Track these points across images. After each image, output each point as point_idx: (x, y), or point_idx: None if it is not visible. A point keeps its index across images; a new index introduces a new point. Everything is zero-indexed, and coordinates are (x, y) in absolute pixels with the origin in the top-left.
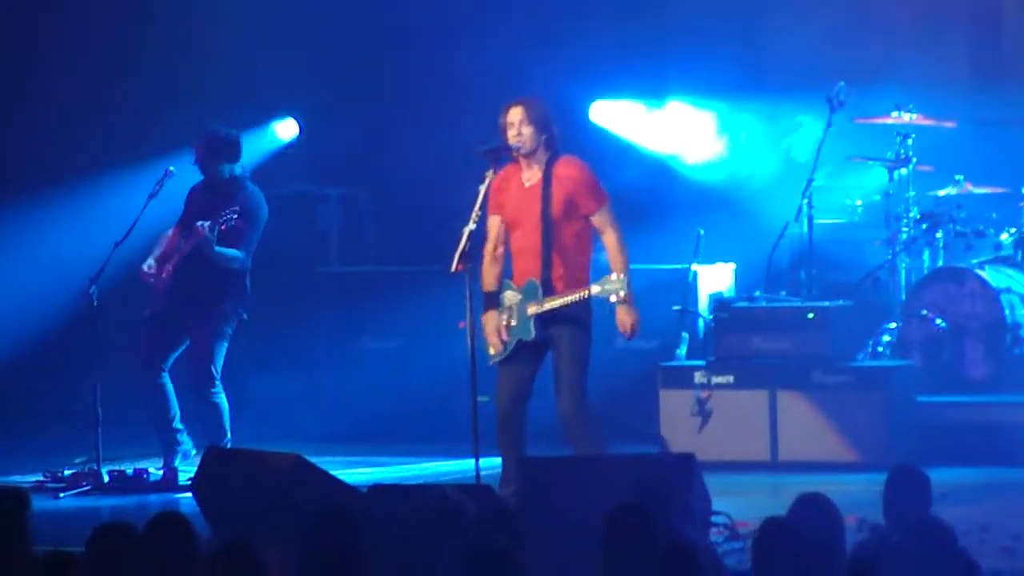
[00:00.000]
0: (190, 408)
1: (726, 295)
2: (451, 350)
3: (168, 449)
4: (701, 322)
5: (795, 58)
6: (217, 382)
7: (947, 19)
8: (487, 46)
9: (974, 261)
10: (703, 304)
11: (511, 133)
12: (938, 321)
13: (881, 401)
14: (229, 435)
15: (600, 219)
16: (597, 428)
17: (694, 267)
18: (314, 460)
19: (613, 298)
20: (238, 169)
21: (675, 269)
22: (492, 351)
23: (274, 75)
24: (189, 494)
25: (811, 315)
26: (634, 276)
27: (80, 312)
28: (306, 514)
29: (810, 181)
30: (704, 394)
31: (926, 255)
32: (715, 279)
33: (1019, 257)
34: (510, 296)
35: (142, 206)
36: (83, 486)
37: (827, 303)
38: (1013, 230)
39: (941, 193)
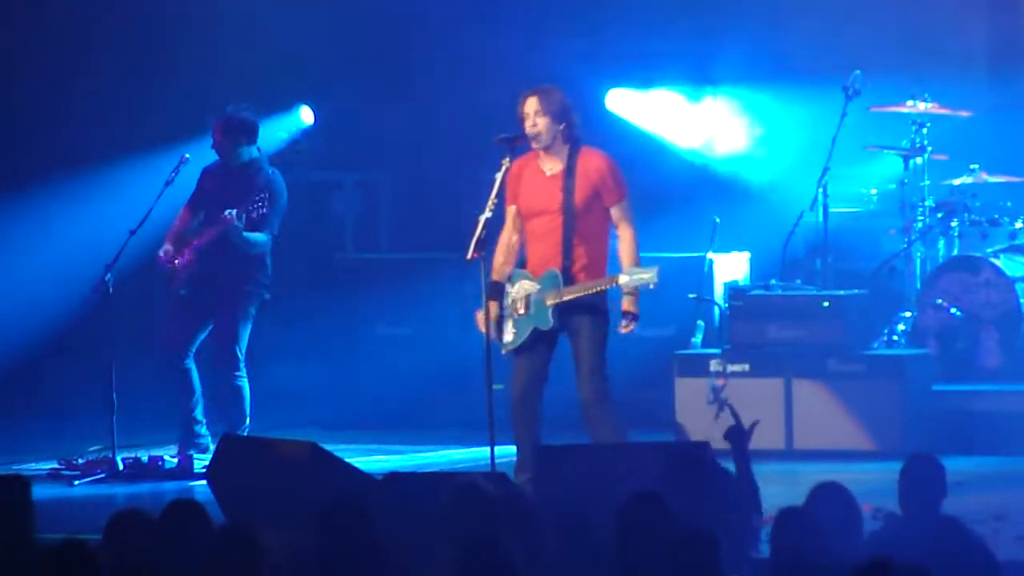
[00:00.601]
0: (212, 391)
1: (741, 283)
2: (466, 337)
3: (185, 439)
4: (716, 310)
5: (811, 46)
6: (241, 364)
7: (963, 7)
8: (504, 32)
9: (989, 250)
10: (719, 292)
11: (527, 124)
12: (953, 310)
13: (896, 390)
14: (248, 421)
15: (619, 211)
16: (617, 415)
17: (710, 255)
18: (329, 447)
19: (647, 286)
20: (255, 152)
21: (691, 257)
22: (505, 338)
23: (290, 63)
24: (204, 482)
25: (826, 304)
26: (650, 264)
27: (96, 299)
28: (321, 502)
29: (826, 170)
30: (719, 382)
31: (941, 244)
32: (731, 267)
33: None
34: (527, 285)
35: (158, 193)
36: (98, 474)
37: (842, 292)
38: None
39: (956, 182)
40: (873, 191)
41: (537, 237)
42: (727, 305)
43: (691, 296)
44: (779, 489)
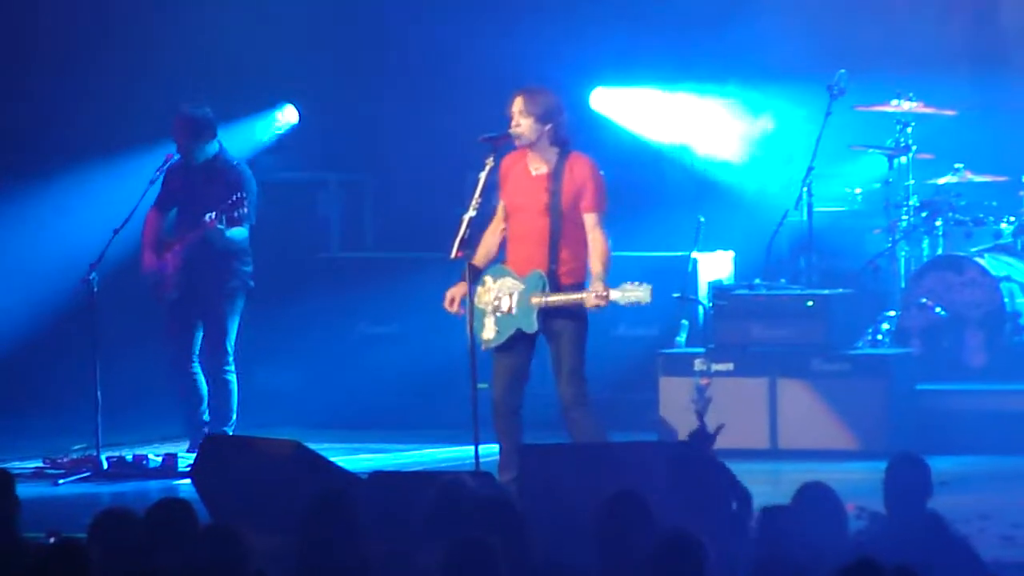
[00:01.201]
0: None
1: (726, 283)
2: (451, 337)
3: (196, 441)
4: (701, 310)
5: (795, 45)
6: (231, 359)
7: (947, 6)
8: (488, 32)
9: (973, 249)
10: (703, 292)
11: (512, 123)
12: (938, 309)
13: (881, 389)
14: (235, 418)
15: (592, 219)
16: (598, 416)
17: (694, 255)
18: (313, 446)
19: (638, 303)
20: (217, 146)
21: (675, 256)
22: (486, 335)
23: (274, 62)
24: (188, 480)
25: (811, 303)
26: (634, 263)
27: (80, 298)
28: (305, 501)
29: (810, 169)
30: (704, 381)
31: (926, 243)
32: (715, 267)
33: (1018, 245)
34: (510, 283)
35: (142, 192)
36: (82, 472)
37: (827, 291)
38: (1012, 218)
39: (941, 181)
40: (858, 190)
41: (518, 236)
42: (711, 304)
43: (675, 295)
44: (764, 489)
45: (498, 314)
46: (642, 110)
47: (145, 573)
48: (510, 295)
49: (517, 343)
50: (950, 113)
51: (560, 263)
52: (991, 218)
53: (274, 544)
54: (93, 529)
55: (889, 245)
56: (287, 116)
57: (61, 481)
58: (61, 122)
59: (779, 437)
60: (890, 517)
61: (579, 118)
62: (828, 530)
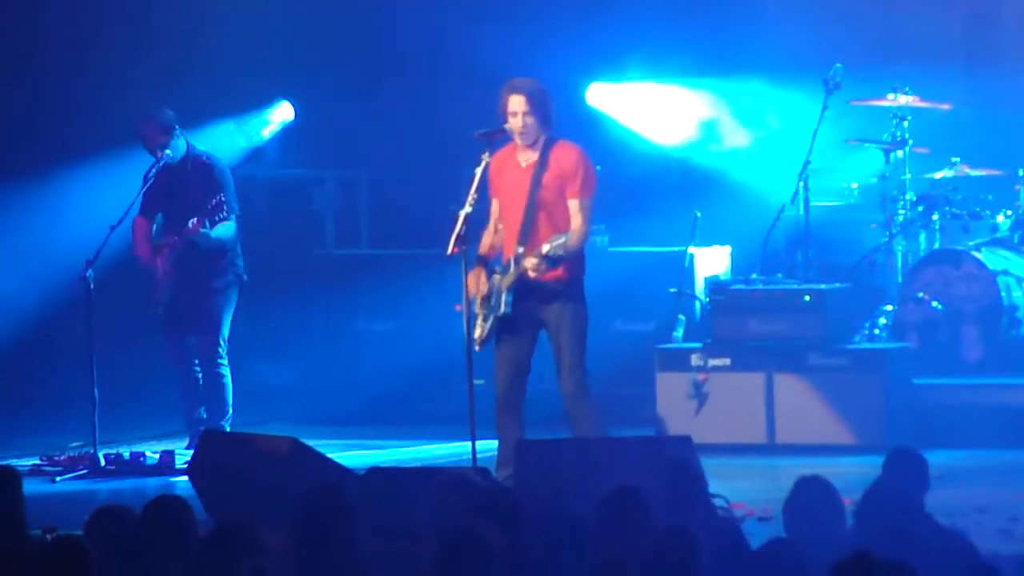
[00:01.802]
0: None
1: (722, 278)
2: (447, 333)
3: (193, 437)
4: (697, 305)
5: (792, 39)
6: (223, 352)
7: (943, 1)
8: (484, 28)
9: (970, 243)
10: (699, 287)
11: (514, 121)
12: (934, 303)
13: (878, 384)
14: (231, 412)
15: (576, 204)
16: (599, 409)
17: (690, 249)
18: (310, 443)
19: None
20: (184, 144)
21: (671, 252)
22: (476, 334)
23: (270, 59)
24: (185, 478)
25: (807, 298)
26: (631, 258)
27: (77, 295)
28: (302, 497)
29: (806, 163)
30: (701, 377)
31: (922, 237)
32: (711, 261)
33: (1015, 239)
34: (496, 279)
35: (138, 189)
36: (80, 470)
37: (823, 286)
38: (1009, 212)
39: (937, 175)
40: (854, 185)
41: (508, 228)
42: (708, 299)
43: (672, 290)
44: (761, 483)
45: (485, 310)
46: (638, 105)
47: (143, 568)
48: (490, 288)
49: (513, 335)
50: (946, 107)
51: (529, 247)
52: (988, 212)
53: (274, 540)
54: (90, 526)
55: (886, 239)
56: (283, 113)
57: (58, 478)
58: (57, 120)
59: (776, 432)
60: (887, 511)
61: (575, 114)
62: (825, 524)
